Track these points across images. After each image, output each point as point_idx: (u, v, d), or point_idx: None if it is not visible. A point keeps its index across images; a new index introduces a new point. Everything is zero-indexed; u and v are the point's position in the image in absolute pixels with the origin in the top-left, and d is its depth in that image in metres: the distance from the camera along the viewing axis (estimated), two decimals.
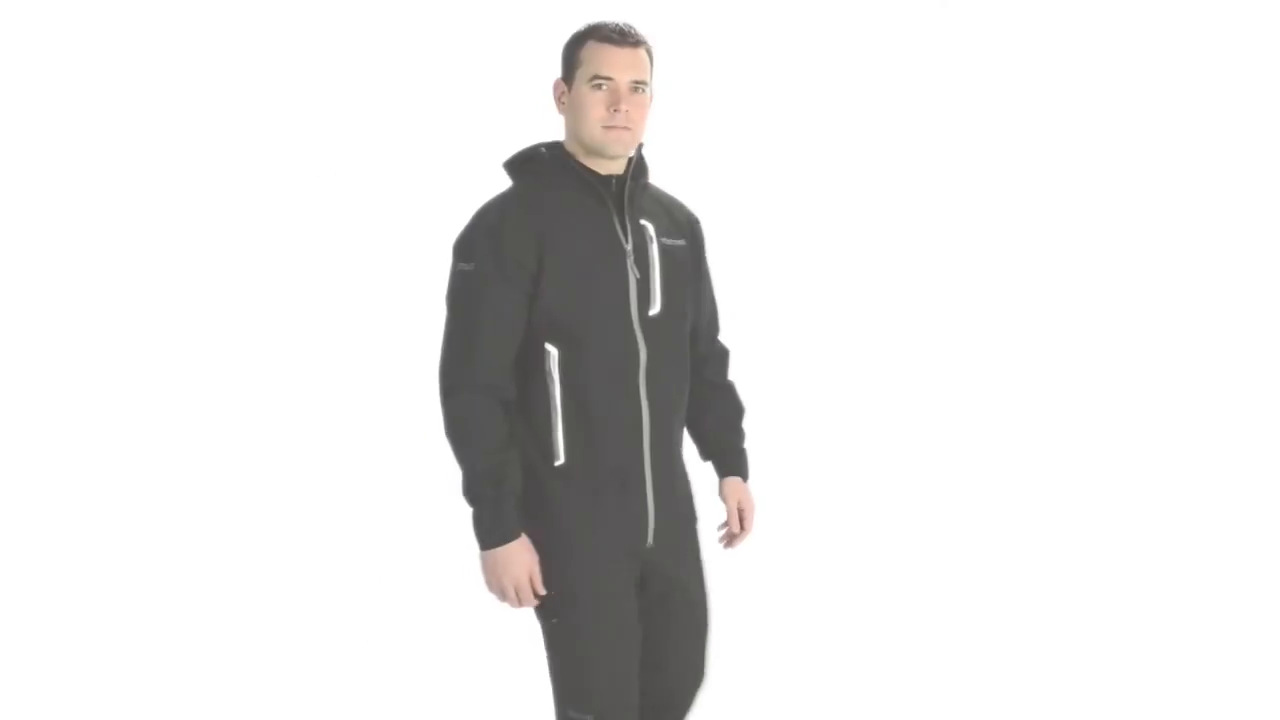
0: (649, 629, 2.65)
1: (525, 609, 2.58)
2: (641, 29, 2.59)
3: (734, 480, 2.80)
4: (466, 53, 4.66)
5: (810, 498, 4.54)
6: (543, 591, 2.55)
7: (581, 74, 2.54)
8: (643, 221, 2.61)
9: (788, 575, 4.30)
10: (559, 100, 2.60)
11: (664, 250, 2.61)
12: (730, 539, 2.81)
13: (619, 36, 2.53)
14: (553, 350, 2.53)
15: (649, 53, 2.58)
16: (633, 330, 2.55)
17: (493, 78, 4.58)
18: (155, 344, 4.71)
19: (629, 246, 2.57)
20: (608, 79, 2.51)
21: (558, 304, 2.52)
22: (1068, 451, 4.65)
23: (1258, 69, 4.64)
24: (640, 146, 2.64)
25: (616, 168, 2.60)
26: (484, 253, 2.52)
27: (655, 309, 2.57)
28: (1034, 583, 4.46)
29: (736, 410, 2.84)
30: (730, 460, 2.81)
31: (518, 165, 2.62)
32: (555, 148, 2.61)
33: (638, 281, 2.56)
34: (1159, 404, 4.70)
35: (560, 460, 2.53)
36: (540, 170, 2.60)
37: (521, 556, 2.53)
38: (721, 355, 2.85)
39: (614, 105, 2.51)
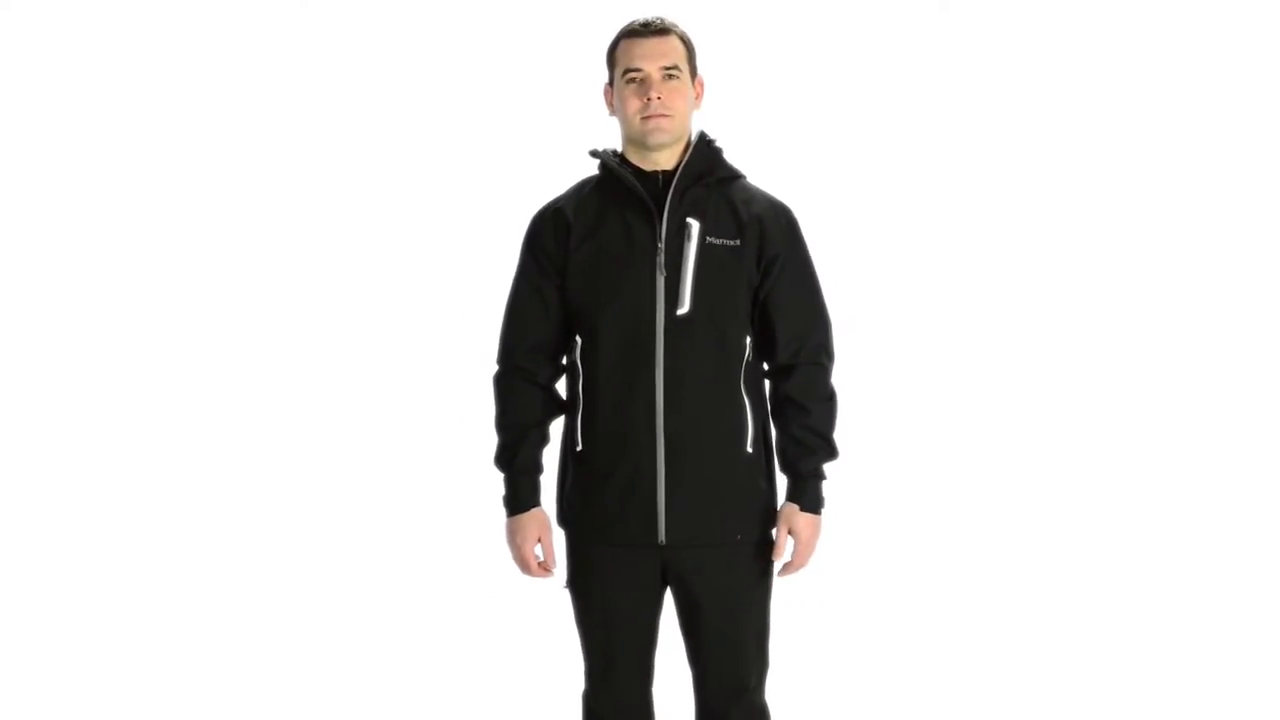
0: (682, 625, 2.70)
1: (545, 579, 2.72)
2: (673, 17, 2.64)
3: (788, 506, 2.66)
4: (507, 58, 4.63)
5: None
6: (551, 565, 2.70)
7: (618, 72, 2.62)
8: (688, 219, 2.60)
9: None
10: (609, 105, 2.68)
11: (705, 250, 2.59)
12: (785, 567, 2.68)
13: (643, 28, 2.61)
14: (578, 340, 2.64)
15: (683, 40, 2.63)
16: (652, 328, 2.57)
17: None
18: (163, 346, 4.70)
19: (661, 244, 2.58)
20: (638, 71, 2.58)
21: (577, 295, 2.63)
22: (1078, 454, 4.63)
23: (1258, 69, 4.64)
24: (703, 139, 2.67)
25: (666, 162, 2.63)
26: (525, 242, 2.70)
27: (683, 309, 2.57)
28: (1052, 588, 4.43)
29: (809, 431, 2.64)
30: (790, 484, 2.68)
31: (596, 158, 2.68)
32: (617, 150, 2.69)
33: (665, 280, 2.58)
34: (1159, 405, 4.69)
35: (580, 446, 2.64)
36: (602, 167, 2.68)
37: (525, 529, 2.69)
38: (810, 370, 2.66)
39: (646, 95, 2.56)
